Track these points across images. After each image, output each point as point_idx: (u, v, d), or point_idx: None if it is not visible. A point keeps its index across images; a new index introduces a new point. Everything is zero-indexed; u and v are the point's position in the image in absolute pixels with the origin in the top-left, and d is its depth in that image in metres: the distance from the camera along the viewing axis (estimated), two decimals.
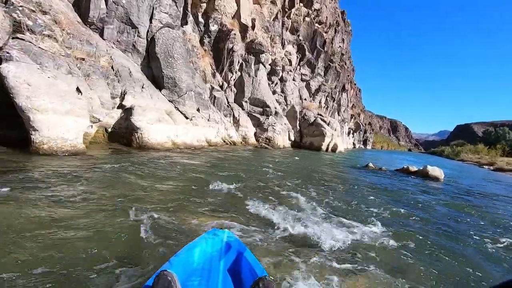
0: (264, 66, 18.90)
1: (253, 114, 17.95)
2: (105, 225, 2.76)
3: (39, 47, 6.33)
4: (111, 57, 9.16)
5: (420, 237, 3.70)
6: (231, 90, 17.71)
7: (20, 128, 5.46)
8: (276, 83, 21.24)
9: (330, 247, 2.99)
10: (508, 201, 7.30)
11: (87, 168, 4.82)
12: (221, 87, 17.08)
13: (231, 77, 17.52)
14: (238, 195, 4.59)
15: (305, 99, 25.07)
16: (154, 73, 10.83)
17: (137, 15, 10.30)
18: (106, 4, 9.54)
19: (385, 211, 4.78)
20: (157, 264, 2.11)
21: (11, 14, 6.16)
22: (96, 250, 2.28)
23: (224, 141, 14.44)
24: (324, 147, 20.95)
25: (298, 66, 24.62)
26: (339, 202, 5.00)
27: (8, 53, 5.41)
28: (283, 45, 22.47)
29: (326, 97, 28.94)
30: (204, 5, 15.92)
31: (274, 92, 20.87)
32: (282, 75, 21.36)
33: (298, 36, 24.23)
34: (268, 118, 18.17)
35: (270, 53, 20.53)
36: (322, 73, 27.49)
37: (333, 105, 31.75)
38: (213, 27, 17.15)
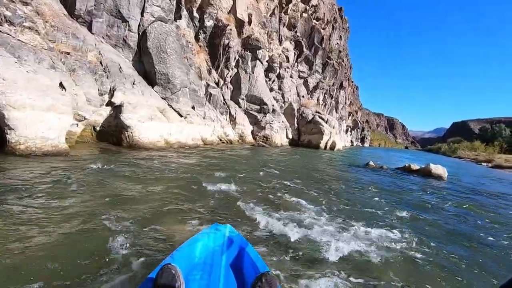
0: (261, 63, 18.48)
1: (250, 111, 17.54)
2: (73, 237, 2.36)
3: (18, 39, 5.87)
4: (99, 52, 8.69)
5: (433, 244, 3.35)
6: (227, 87, 17.27)
7: None
8: (274, 80, 20.82)
9: (338, 258, 2.62)
10: None
11: (68, 170, 4.40)
12: (217, 84, 16.64)
13: (227, 74, 17.08)
14: (233, 198, 4.21)
15: (303, 97, 24.71)
16: (146, 69, 10.37)
17: (128, 8, 9.83)
18: None
19: (392, 213, 4.43)
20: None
21: None
22: (57, 266, 1.88)
23: (221, 140, 14.03)
24: (322, 145, 20.62)
25: (296, 63, 24.22)
26: (343, 204, 4.64)
27: None
28: (280, 42, 22.06)
29: (324, 94, 28.60)
30: (199, 0, 15.45)
31: (271, 89, 20.46)
32: (279, 72, 20.94)
33: (296, 32, 23.81)
34: (265, 116, 17.77)
35: (267, 49, 20.10)
36: (320, 70, 27.12)
37: (331, 102, 31.43)
38: (209, 23, 16.68)
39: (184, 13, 14.77)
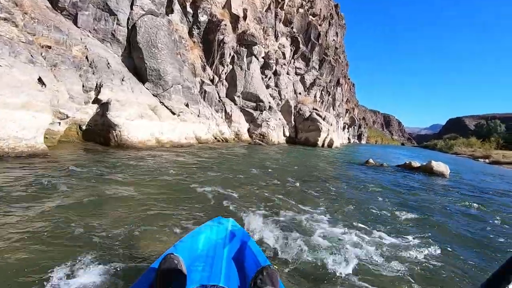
0: (257, 59, 18.04)
1: (246, 109, 17.13)
2: (33, 252, 1.96)
3: None
4: (85, 46, 8.22)
5: (446, 249, 3.01)
6: (222, 84, 16.83)
7: None
8: (270, 77, 20.41)
9: (346, 270, 2.27)
10: None
11: (42, 173, 3.98)
12: (212, 81, 16.18)
13: (222, 71, 16.64)
14: (227, 201, 3.82)
15: (300, 94, 24.34)
16: (136, 64, 9.90)
17: (116, 0, 9.33)
18: None
19: (398, 216, 4.08)
20: None
21: None
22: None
23: (216, 138, 13.62)
24: (320, 142, 20.28)
25: (292, 59, 23.82)
26: (345, 206, 4.28)
27: None
28: (276, 38, 21.62)
29: (321, 91, 28.26)
30: None
31: (267, 86, 20.05)
32: (275, 69, 20.53)
33: (292, 28, 23.38)
34: (261, 113, 17.37)
35: (263, 45, 19.66)
36: (317, 67, 26.75)
37: (328, 99, 31.13)
38: (202, 18, 16.20)
39: (177, 7, 14.28)
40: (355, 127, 60.21)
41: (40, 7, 7.49)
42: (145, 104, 8.91)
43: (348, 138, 51.10)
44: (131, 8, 9.83)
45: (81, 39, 8.33)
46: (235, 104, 16.95)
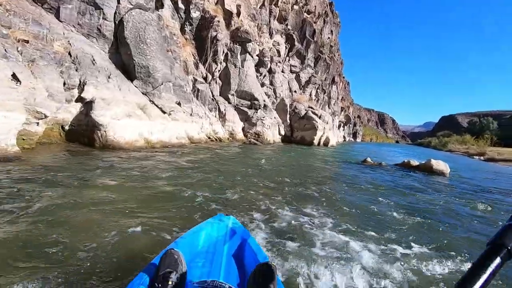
0: (251, 56, 17.64)
1: (241, 107, 16.73)
2: None
3: None
4: (68, 41, 7.75)
5: (459, 259, 2.69)
6: (216, 82, 16.41)
7: None
8: (265, 75, 20.03)
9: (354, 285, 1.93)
10: None
11: (10, 179, 3.55)
12: (205, 79, 15.76)
13: (215, 68, 16.21)
14: (219, 208, 3.45)
15: (295, 92, 24.03)
16: (124, 61, 9.44)
17: None
18: None
19: (404, 220, 3.76)
20: None
21: None
22: None
23: (209, 138, 13.21)
24: (316, 141, 20.00)
25: (287, 57, 23.48)
26: (346, 209, 3.96)
27: None
28: (271, 35, 21.26)
29: (317, 89, 27.99)
30: None
31: (262, 85, 19.68)
32: (270, 67, 20.15)
33: (287, 25, 23.03)
34: (256, 112, 17.00)
35: (257, 43, 19.28)
36: (312, 64, 26.47)
37: (323, 97, 30.89)
38: (195, 14, 15.75)
39: (168, 3, 13.82)
40: (350, 125, 60.30)
41: None
42: (134, 102, 8.48)
43: (344, 137, 51.09)
44: (118, 2, 9.37)
45: (63, 33, 7.87)
46: (229, 102, 16.55)
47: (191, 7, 15.26)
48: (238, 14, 17.55)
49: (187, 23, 15.77)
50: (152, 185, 4.22)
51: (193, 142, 11.11)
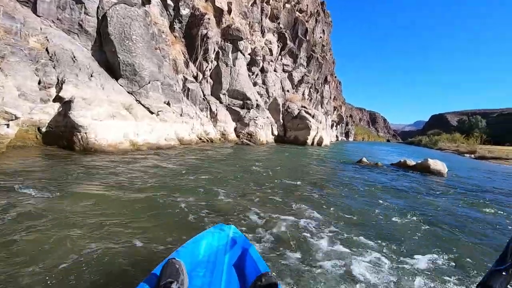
0: (243, 55, 17.26)
1: (233, 107, 16.32)
2: None
3: None
4: (46, 37, 7.23)
5: (473, 271, 2.38)
6: (207, 81, 15.96)
7: None
8: (257, 74, 19.67)
9: None
10: None
11: None
12: (196, 78, 15.30)
13: (206, 67, 15.76)
14: (206, 215, 3.07)
15: (288, 91, 23.74)
16: (109, 59, 8.92)
17: None
18: None
19: (409, 226, 3.46)
20: None
21: None
22: None
23: (200, 139, 12.76)
24: (309, 141, 19.75)
25: (280, 56, 23.17)
26: (348, 214, 3.65)
27: None
28: (262, 33, 20.90)
29: (310, 88, 27.78)
30: None
31: (255, 84, 19.31)
32: (262, 66, 19.80)
33: (279, 23, 22.72)
34: (249, 112, 16.61)
35: (249, 41, 18.91)
36: (305, 64, 26.24)
37: (316, 97, 30.73)
38: (184, 11, 15.28)
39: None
40: (343, 124, 60.55)
41: None
42: (118, 102, 7.99)
43: (336, 136, 51.20)
44: None
45: (41, 29, 7.34)
46: (221, 102, 16.12)
47: (180, 4, 14.79)
48: (229, 11, 17.15)
49: (176, 21, 15.28)
50: (137, 192, 3.80)
51: (183, 144, 10.65)
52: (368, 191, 5.43)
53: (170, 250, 2.11)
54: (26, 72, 5.77)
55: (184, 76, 14.25)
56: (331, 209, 3.95)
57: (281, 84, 22.86)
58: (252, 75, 19.17)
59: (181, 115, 11.76)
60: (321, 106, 34.02)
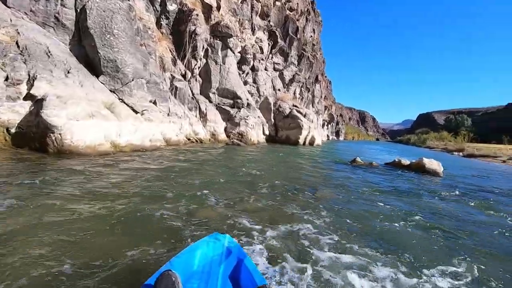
0: (233, 53, 16.82)
1: (223, 106, 15.87)
2: None
3: None
4: (17, 30, 6.63)
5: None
6: (195, 80, 15.45)
7: None
8: (247, 73, 19.27)
9: None
10: None
11: None
12: (184, 76, 14.76)
13: (195, 65, 15.25)
14: (187, 227, 2.66)
15: (279, 90, 23.44)
16: (89, 54, 8.34)
17: None
18: None
19: (415, 233, 3.15)
20: None
21: None
22: None
23: (189, 139, 12.27)
24: (301, 140, 19.48)
25: (270, 55, 22.83)
26: (347, 219, 3.32)
27: None
28: (253, 31, 20.50)
29: (301, 87, 27.58)
30: None
31: (245, 83, 18.90)
32: (253, 64, 19.42)
33: (269, 21, 22.38)
34: (239, 111, 16.19)
35: (239, 39, 18.46)
36: (296, 62, 26.00)
37: (308, 96, 30.57)
38: (172, 7, 14.74)
39: None
40: (333, 124, 60.85)
41: None
42: (99, 101, 7.44)
43: (327, 135, 51.35)
44: None
45: (11, 20, 6.74)
46: (210, 101, 15.64)
47: None
48: (218, 8, 16.68)
49: (163, 17, 14.72)
50: (114, 199, 3.35)
51: (170, 144, 10.15)
52: (366, 193, 5.12)
53: (153, 266, 1.91)
54: None
55: (171, 74, 13.70)
56: (330, 214, 3.60)
57: (272, 83, 22.54)
58: (243, 73, 18.76)
59: (168, 114, 11.24)
60: (312, 105, 33.92)
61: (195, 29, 14.61)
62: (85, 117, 6.52)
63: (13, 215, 2.65)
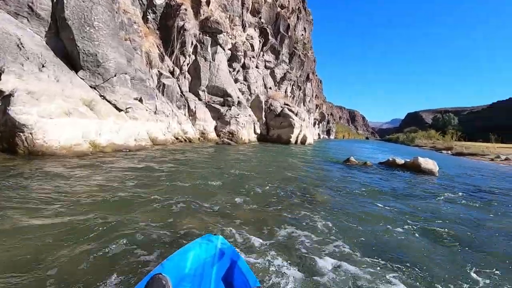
0: (223, 49, 16.36)
1: (212, 105, 15.39)
2: None
3: None
4: None
5: None
6: (184, 77, 14.92)
7: None
8: (238, 70, 18.84)
9: None
10: None
11: None
12: (172, 73, 14.22)
13: (183, 62, 14.72)
14: (167, 240, 2.28)
15: (270, 88, 23.11)
16: (67, 47, 7.75)
17: None
18: None
19: (420, 240, 2.88)
20: None
21: None
22: None
23: (177, 138, 11.77)
24: (293, 139, 19.23)
25: (261, 52, 22.45)
26: (347, 223, 3.04)
27: None
28: (244, 28, 20.07)
29: (292, 86, 27.34)
30: None
31: (236, 80, 18.47)
32: (244, 62, 19.00)
33: (260, 18, 22.00)
34: (230, 109, 15.75)
35: (230, 36, 18.02)
36: (287, 60, 25.72)
37: (299, 94, 30.38)
38: (159, 1, 14.20)
39: None
40: (324, 122, 61.10)
41: None
42: (77, 97, 6.89)
43: (318, 134, 51.46)
44: None
45: None
46: (200, 99, 15.15)
47: None
48: (208, 3, 16.17)
49: (150, 11, 14.13)
50: (87, 208, 2.91)
51: (157, 144, 9.65)
52: (363, 195, 4.83)
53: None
54: None
55: (159, 71, 13.15)
56: (328, 218, 3.28)
57: (263, 81, 22.19)
58: (233, 71, 18.32)
59: (155, 112, 10.73)
60: (304, 104, 33.78)
61: (183, 24, 14.08)
62: (61, 114, 5.99)
63: None
